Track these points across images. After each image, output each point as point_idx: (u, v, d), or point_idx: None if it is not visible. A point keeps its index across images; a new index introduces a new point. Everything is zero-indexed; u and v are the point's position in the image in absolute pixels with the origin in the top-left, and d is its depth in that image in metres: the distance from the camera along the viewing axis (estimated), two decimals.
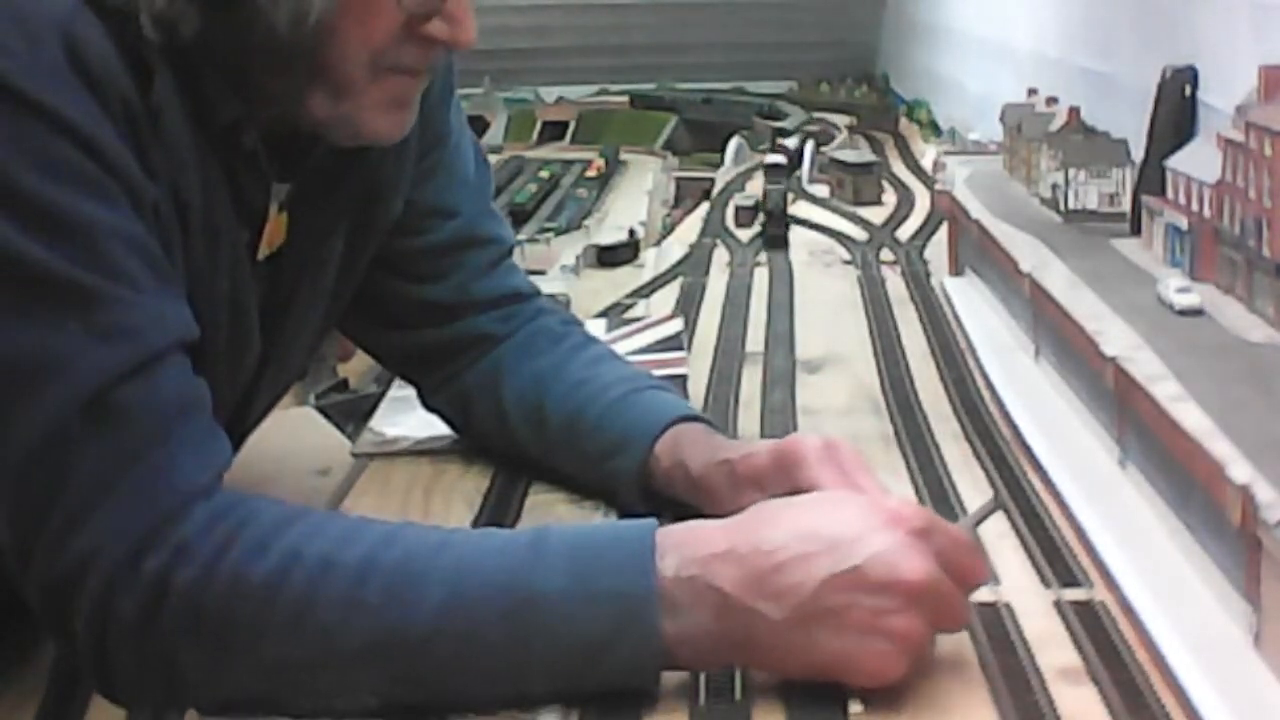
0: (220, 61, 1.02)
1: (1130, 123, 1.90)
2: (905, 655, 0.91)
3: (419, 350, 1.37)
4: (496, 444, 1.37)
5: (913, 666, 0.92)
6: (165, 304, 0.95)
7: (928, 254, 2.35)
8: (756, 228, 2.59)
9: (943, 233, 2.23)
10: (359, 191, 1.21)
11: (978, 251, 1.96)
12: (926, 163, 3.21)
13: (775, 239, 2.48)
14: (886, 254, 2.38)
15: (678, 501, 1.20)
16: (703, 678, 0.96)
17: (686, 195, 3.65)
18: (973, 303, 1.92)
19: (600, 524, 0.94)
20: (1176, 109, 1.76)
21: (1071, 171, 1.85)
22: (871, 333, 1.89)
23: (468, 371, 1.36)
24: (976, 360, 1.70)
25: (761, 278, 2.22)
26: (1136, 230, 1.71)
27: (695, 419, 1.25)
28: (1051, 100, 2.28)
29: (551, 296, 1.61)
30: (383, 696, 0.92)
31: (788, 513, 0.94)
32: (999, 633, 1.03)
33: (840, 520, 0.92)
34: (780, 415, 1.55)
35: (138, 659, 0.91)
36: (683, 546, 0.92)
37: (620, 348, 1.77)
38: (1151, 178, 1.68)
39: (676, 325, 1.86)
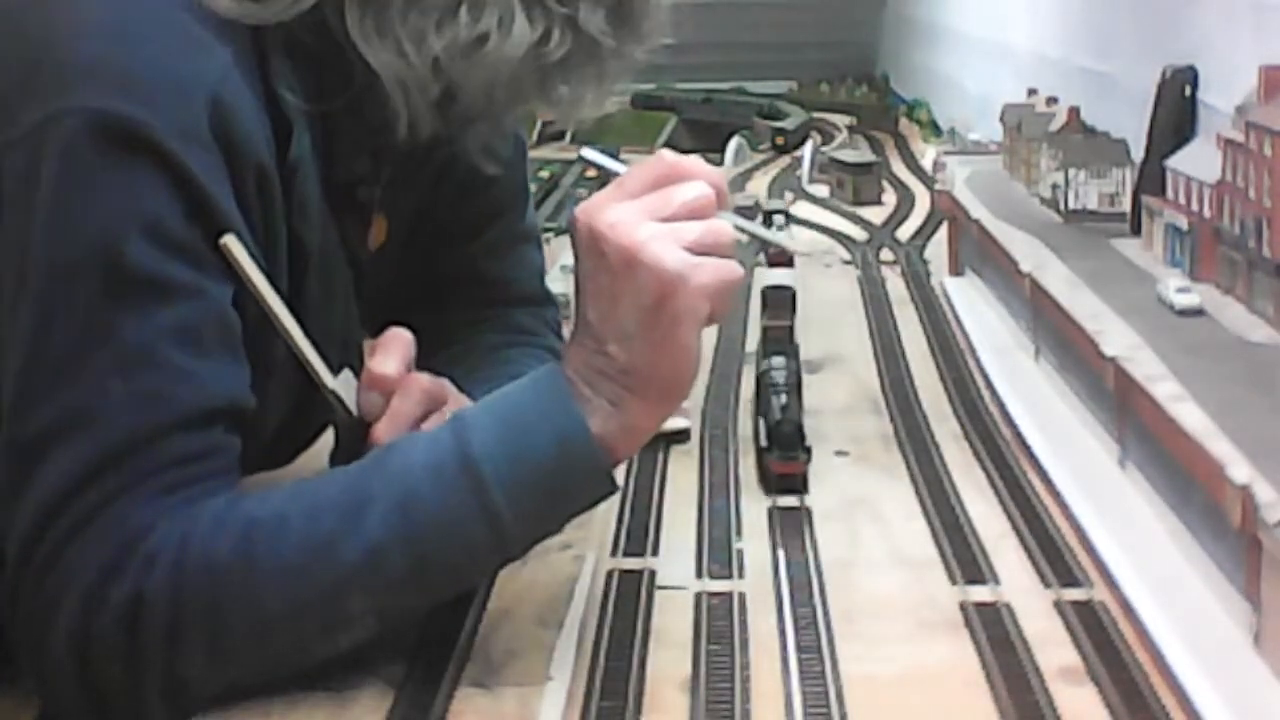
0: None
1: (1130, 123, 1.90)
2: (637, 241, 0.91)
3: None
4: None
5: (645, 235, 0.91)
6: (219, 371, 0.95)
7: (928, 254, 2.34)
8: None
9: (943, 233, 2.23)
10: (428, 181, 1.20)
11: (978, 251, 1.96)
12: (926, 163, 3.20)
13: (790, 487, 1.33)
14: (886, 254, 2.38)
15: None
16: (703, 685, 0.96)
17: None
18: (973, 303, 1.92)
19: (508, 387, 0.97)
20: (1176, 109, 1.76)
21: (1071, 171, 1.85)
22: (871, 333, 1.89)
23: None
24: (976, 360, 1.70)
25: (761, 278, 2.21)
26: (1136, 230, 1.71)
27: None
28: (1051, 100, 2.28)
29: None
30: (379, 614, 0.93)
31: None
32: (999, 633, 1.03)
33: None
34: None
35: (130, 677, 0.91)
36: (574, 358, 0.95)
37: None
38: (1151, 178, 1.68)
39: None
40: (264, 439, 1.04)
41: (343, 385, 1.03)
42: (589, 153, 1.02)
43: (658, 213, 0.92)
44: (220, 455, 0.96)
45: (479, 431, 0.93)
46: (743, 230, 0.98)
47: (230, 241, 0.97)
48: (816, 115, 4.28)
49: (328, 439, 1.09)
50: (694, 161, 0.96)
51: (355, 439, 1.03)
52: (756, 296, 1.70)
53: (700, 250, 0.92)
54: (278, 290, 1.00)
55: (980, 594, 1.10)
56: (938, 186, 2.32)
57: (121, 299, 0.91)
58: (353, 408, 1.03)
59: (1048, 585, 1.11)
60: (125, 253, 0.91)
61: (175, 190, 0.92)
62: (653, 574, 1.14)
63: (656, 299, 0.91)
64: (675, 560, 1.18)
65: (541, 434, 0.93)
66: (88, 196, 0.91)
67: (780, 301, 1.67)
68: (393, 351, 1.05)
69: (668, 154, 0.96)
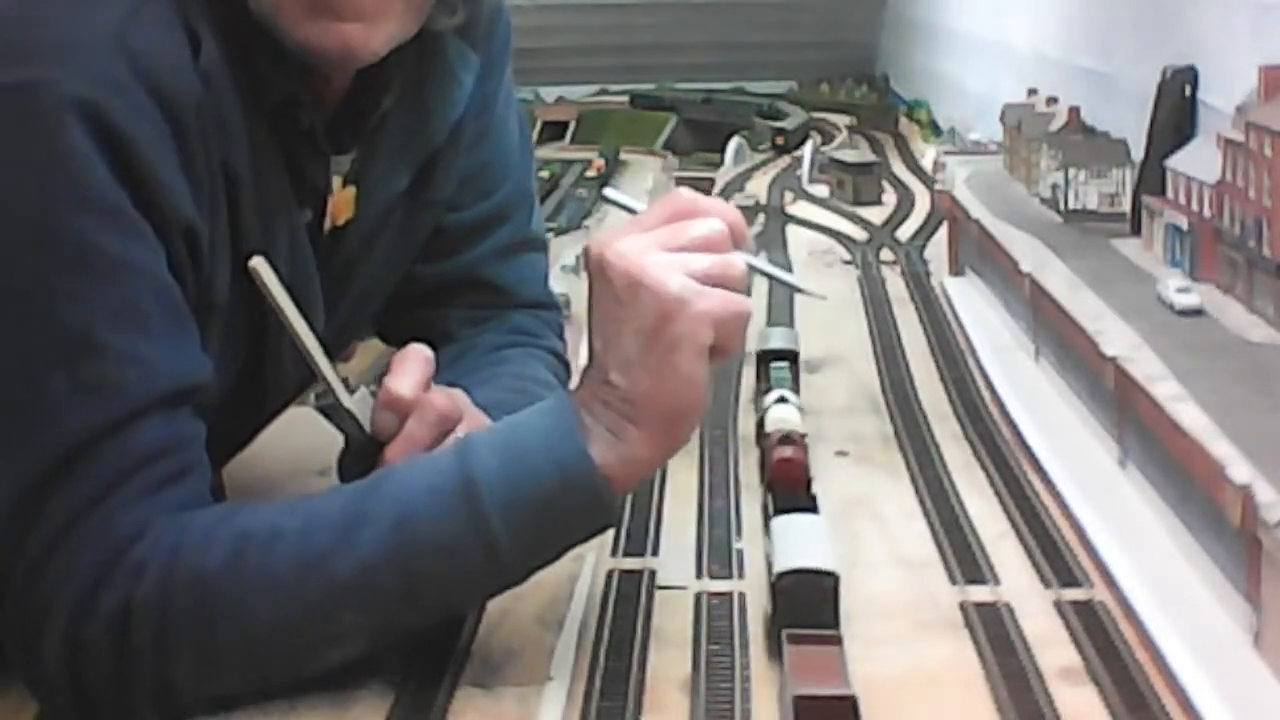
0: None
1: (1130, 123, 1.90)
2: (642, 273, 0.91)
3: (405, 330, 1.26)
4: None
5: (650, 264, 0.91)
6: (165, 350, 0.95)
7: (928, 254, 2.35)
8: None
9: (943, 233, 2.23)
10: (418, 161, 1.18)
11: (978, 251, 1.96)
12: (926, 163, 3.21)
13: None
14: (886, 254, 2.38)
15: None
16: (703, 685, 0.96)
17: None
18: (973, 303, 1.92)
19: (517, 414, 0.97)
20: (1176, 109, 1.76)
21: (1071, 171, 1.85)
22: (871, 333, 1.89)
23: None
24: (976, 360, 1.70)
25: (761, 278, 2.21)
26: (1136, 230, 1.72)
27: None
28: (1051, 100, 2.28)
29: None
30: (372, 632, 0.93)
31: None
32: (999, 633, 1.03)
33: None
34: None
35: (121, 685, 0.91)
36: (582, 387, 0.94)
37: None
38: (1151, 178, 1.68)
39: None
40: (212, 404, 1.02)
41: (358, 403, 1.03)
42: (611, 193, 1.04)
43: (668, 244, 0.92)
44: (188, 446, 0.96)
45: (481, 455, 0.93)
46: (757, 270, 0.98)
47: (258, 264, 0.96)
48: (816, 115, 4.28)
49: (318, 444, 1.08)
50: (712, 200, 0.97)
51: (367, 458, 1.02)
52: (759, 283, 1.68)
53: (708, 281, 0.91)
54: (298, 306, 0.99)
55: (980, 594, 1.10)
56: (938, 186, 2.32)
57: (57, 277, 0.91)
58: (367, 426, 1.03)
59: (1048, 585, 1.11)
60: (56, 224, 0.90)
61: (100, 151, 0.91)
62: (653, 574, 1.14)
63: (656, 322, 0.90)
64: (675, 560, 1.17)
65: (542, 460, 0.92)
66: (8, 172, 0.91)
67: (813, 602, 0.93)
68: (410, 370, 1.05)
69: (686, 191, 0.97)
